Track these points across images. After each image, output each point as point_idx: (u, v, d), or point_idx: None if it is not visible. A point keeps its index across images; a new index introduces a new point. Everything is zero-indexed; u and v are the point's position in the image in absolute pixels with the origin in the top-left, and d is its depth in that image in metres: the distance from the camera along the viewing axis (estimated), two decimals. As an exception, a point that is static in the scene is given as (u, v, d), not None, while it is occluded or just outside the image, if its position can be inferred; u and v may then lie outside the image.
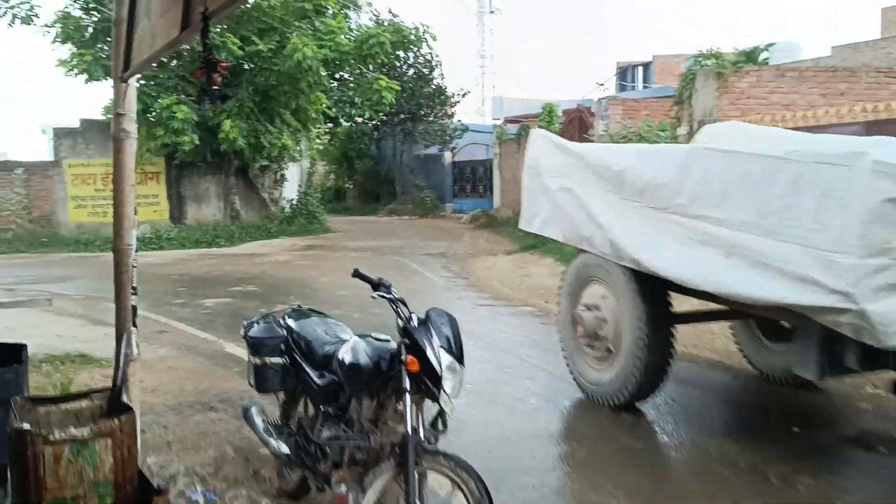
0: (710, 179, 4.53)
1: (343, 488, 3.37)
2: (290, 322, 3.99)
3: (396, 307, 3.37)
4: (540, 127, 21.44)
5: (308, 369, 3.75)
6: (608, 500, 4.11)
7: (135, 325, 3.12)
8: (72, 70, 18.43)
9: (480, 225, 23.56)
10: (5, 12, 17.91)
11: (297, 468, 3.79)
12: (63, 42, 18.87)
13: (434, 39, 20.75)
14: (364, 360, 3.46)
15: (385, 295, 3.38)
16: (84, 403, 2.48)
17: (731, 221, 4.31)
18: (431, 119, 31.17)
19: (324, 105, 20.73)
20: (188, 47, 16.76)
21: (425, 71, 30.61)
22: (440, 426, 3.47)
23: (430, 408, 3.40)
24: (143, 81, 18.22)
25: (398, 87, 21.20)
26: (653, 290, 5.17)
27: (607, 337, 5.51)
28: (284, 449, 3.81)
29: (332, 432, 3.53)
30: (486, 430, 5.15)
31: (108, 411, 2.44)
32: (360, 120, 29.16)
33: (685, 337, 7.51)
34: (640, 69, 34.31)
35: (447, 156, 31.99)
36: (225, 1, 1.74)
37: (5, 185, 19.58)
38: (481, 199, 29.82)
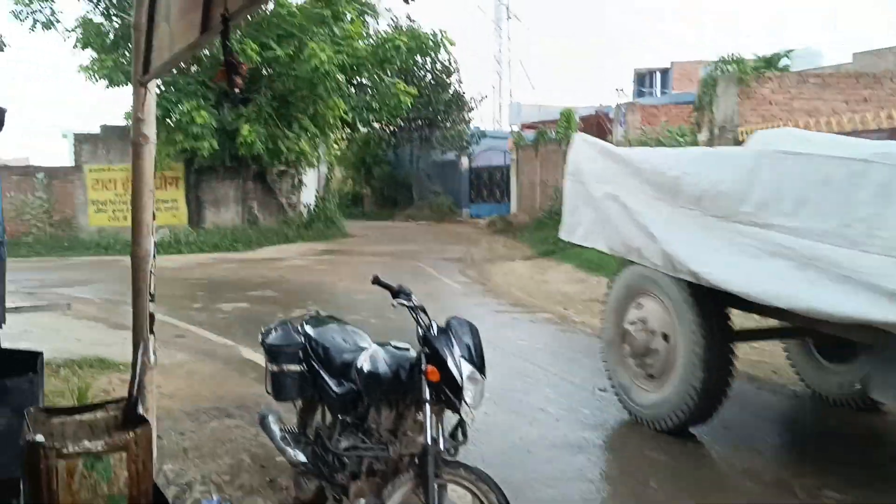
0: (783, 185, 4.18)
1: (361, 501, 3.33)
2: (308, 329, 3.94)
3: (416, 315, 3.32)
4: (558, 133, 21.46)
5: (326, 377, 3.71)
6: (630, 514, 4.04)
7: (152, 333, 3.08)
8: (93, 75, 18.59)
9: (497, 230, 23.49)
10: (27, 16, 18.10)
11: (314, 478, 3.74)
12: (84, 47, 19.04)
13: (452, 45, 20.73)
14: (383, 368, 3.41)
15: (405, 302, 3.33)
16: (99, 414, 2.44)
17: (809, 231, 3.95)
18: (449, 125, 31.16)
19: (342, 111, 20.78)
20: (208, 52, 16.89)
21: (443, 77, 30.62)
22: (460, 437, 3.42)
23: (449, 418, 3.34)
24: (163, 87, 18.36)
25: (415, 93, 21.20)
26: (711, 304, 4.82)
27: (659, 355, 5.15)
28: (301, 458, 3.76)
29: (351, 442, 3.48)
30: (506, 439, 5.08)
31: (123, 423, 2.40)
32: (377, 126, 29.25)
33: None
34: (658, 75, 34.12)
35: (464, 161, 31.96)
36: (244, 2, 1.70)
37: (27, 190, 19.76)
38: (498, 204, 29.76)
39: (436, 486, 3.06)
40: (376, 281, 3.45)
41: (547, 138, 23.03)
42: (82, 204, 20.32)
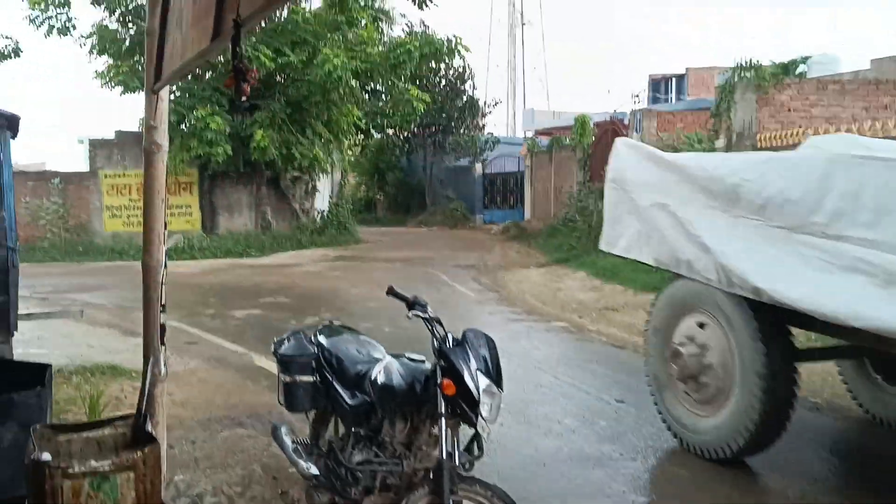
0: (860, 193, 3.81)
1: (375, 516, 3.26)
2: (322, 339, 3.89)
3: (432, 327, 3.27)
4: (572, 139, 21.35)
5: (339, 388, 3.65)
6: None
7: (163, 344, 3.03)
8: (108, 82, 18.67)
9: (511, 237, 23.40)
10: (43, 22, 18.20)
11: (326, 491, 3.67)
12: (100, 54, 19.14)
13: (467, 51, 20.67)
14: (398, 381, 3.35)
15: (420, 314, 3.28)
16: (107, 431, 2.38)
17: (891, 244, 3.61)
18: (462, 131, 31.14)
19: (355, 117, 20.79)
20: (223, 59, 16.92)
21: (457, 83, 30.62)
22: (476, 450, 3.36)
23: (464, 431, 3.27)
24: (178, 93, 18.43)
25: (428, 100, 21.17)
26: (772, 323, 4.43)
27: (713, 377, 4.74)
28: (314, 470, 3.70)
29: (364, 456, 3.42)
30: (521, 451, 4.99)
31: (131, 440, 2.34)
32: (391, 131, 29.27)
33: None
34: (674, 81, 33.98)
35: (478, 167, 31.91)
36: (257, 8, 1.65)
37: (42, 195, 19.86)
38: (512, 210, 29.67)
39: (451, 503, 2.99)
40: (391, 292, 3.39)
41: (561, 144, 22.93)
42: (97, 209, 20.41)
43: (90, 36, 18.98)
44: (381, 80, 20.90)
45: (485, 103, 33.00)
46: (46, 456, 2.03)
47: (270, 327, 9.04)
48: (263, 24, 19.16)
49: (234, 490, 4.29)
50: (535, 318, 10.24)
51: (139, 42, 18.25)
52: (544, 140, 26.16)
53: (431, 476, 3.10)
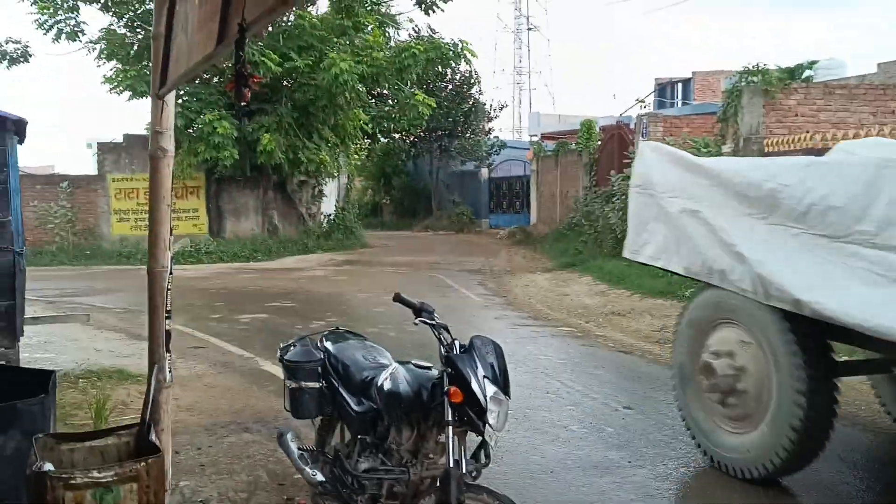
0: None
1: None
2: (328, 345, 3.88)
3: (439, 334, 3.24)
4: (578, 144, 21.32)
5: (346, 395, 3.63)
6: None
7: (168, 351, 3.01)
8: (116, 87, 18.73)
9: (517, 241, 23.38)
10: (52, 26, 18.27)
11: (332, 499, 3.64)
12: (108, 59, 19.19)
13: (474, 56, 20.66)
14: (404, 388, 3.32)
15: (427, 321, 3.25)
16: (110, 441, 2.35)
17: None
18: (468, 135, 31.14)
19: (362, 121, 20.81)
20: (230, 63, 16.95)
21: (463, 88, 30.63)
22: (483, 458, 3.33)
23: (471, 438, 3.24)
24: (185, 97, 18.48)
25: (433, 104, 21.17)
26: (811, 336, 4.20)
27: (747, 393, 4.48)
28: (319, 477, 3.68)
29: (370, 464, 3.38)
30: (528, 459, 4.95)
31: (135, 450, 2.31)
32: (397, 136, 29.29)
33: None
34: (680, 85, 33.93)
35: (484, 172, 31.92)
36: (262, 12, 1.63)
37: (51, 199, 19.92)
38: (518, 215, 29.68)
39: (458, 512, 2.95)
40: (398, 299, 3.37)
41: (567, 149, 22.91)
42: (105, 213, 20.47)
43: (99, 41, 19.05)
44: (387, 85, 20.90)
45: (490, 107, 33.01)
46: (48, 466, 2.00)
47: (276, 332, 9.02)
48: (270, 29, 19.22)
49: (239, 496, 4.27)
50: (541, 323, 10.20)
51: (147, 47, 18.30)
52: (550, 144, 26.14)
53: (438, 484, 3.07)
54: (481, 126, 32.06)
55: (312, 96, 18.93)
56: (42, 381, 2.99)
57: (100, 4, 18.56)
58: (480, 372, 3.08)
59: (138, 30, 19.03)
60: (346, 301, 12.15)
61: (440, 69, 23.78)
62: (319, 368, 3.74)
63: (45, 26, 18.27)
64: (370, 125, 21.67)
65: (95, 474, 2.01)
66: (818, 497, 4.48)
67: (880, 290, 3.66)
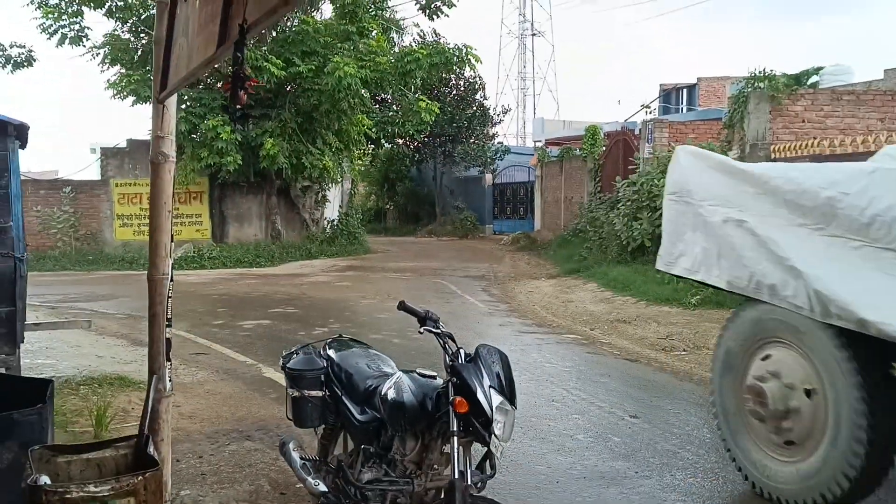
0: None
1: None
2: (331, 353, 3.83)
3: (444, 342, 3.19)
4: (583, 149, 21.27)
5: (349, 404, 3.58)
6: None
7: (168, 360, 2.95)
8: (120, 92, 18.74)
9: (521, 247, 23.32)
10: (56, 31, 18.29)
11: (335, 509, 3.58)
12: (112, 64, 19.21)
13: (478, 61, 20.62)
14: (409, 397, 3.26)
15: (432, 329, 3.21)
16: (108, 453, 2.30)
17: None
18: (472, 140, 31.13)
19: (366, 127, 20.79)
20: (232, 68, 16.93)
21: (468, 93, 30.62)
22: (488, 469, 3.27)
23: (477, 448, 3.19)
24: (189, 103, 18.48)
25: (437, 110, 21.14)
26: (873, 356, 3.86)
27: (801, 417, 4.11)
28: (322, 488, 3.61)
29: (373, 474, 3.33)
30: (533, 469, 4.89)
31: (133, 463, 2.26)
32: (401, 141, 29.28)
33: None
34: (685, 91, 33.89)
35: (487, 177, 31.90)
36: (264, 13, 1.59)
37: (54, 204, 19.93)
38: (522, 221, 29.64)
39: (463, 525, 2.90)
40: (402, 306, 3.32)
41: (571, 155, 22.87)
42: (108, 218, 20.46)
43: (103, 46, 19.07)
44: (390, 90, 20.89)
45: (494, 112, 33.01)
46: (44, 479, 1.95)
47: (279, 338, 8.98)
48: (274, 34, 19.24)
49: (240, 506, 4.22)
50: (545, 330, 10.14)
51: (150, 52, 18.30)
52: (554, 150, 26.10)
53: (443, 496, 3.02)
54: (485, 131, 32.05)
55: (316, 101, 18.92)
56: (40, 390, 2.94)
57: (104, 10, 18.57)
58: (486, 381, 3.03)
59: (142, 35, 19.05)
60: (349, 307, 12.10)
61: (445, 74, 23.75)
62: (322, 377, 3.69)
63: (49, 31, 18.29)
64: (374, 130, 21.66)
65: (92, 488, 1.96)
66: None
67: None
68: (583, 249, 17.15)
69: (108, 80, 19.11)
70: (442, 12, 19.56)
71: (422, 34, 25.72)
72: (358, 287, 14.56)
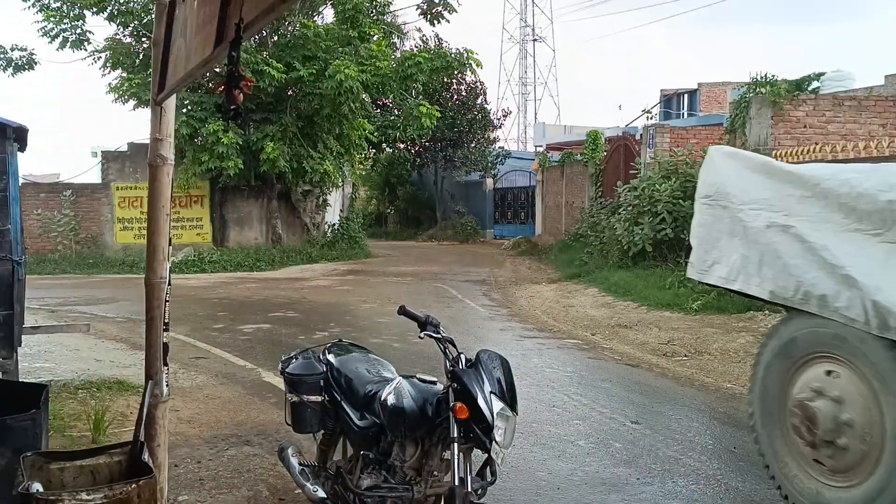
0: None
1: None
2: (331, 357, 3.80)
3: (444, 348, 3.17)
4: (584, 154, 21.27)
5: (348, 409, 3.55)
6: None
7: (166, 365, 2.92)
8: (122, 96, 18.74)
9: (522, 252, 23.30)
10: (58, 34, 18.29)
11: (334, 516, 3.55)
12: (113, 68, 19.22)
13: (479, 66, 20.61)
14: (408, 403, 3.23)
15: (433, 335, 3.18)
16: (102, 460, 2.27)
17: None
18: (473, 145, 31.13)
19: (367, 131, 20.78)
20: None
21: (469, 99, 30.62)
22: (489, 476, 3.25)
23: (477, 455, 3.16)
24: (190, 106, 18.47)
25: (438, 113, 21.14)
26: None
27: (855, 439, 3.77)
28: (321, 494, 3.59)
29: (373, 480, 3.30)
30: (534, 475, 4.85)
31: (127, 470, 2.22)
32: (402, 146, 29.28)
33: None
34: (686, 97, 33.89)
35: (488, 182, 31.90)
36: (261, 12, 1.57)
37: (54, 207, 19.91)
38: (522, 225, 29.63)
39: (463, 532, 2.87)
40: (403, 311, 3.30)
41: (572, 159, 22.85)
42: (108, 221, 20.45)
43: (104, 50, 19.07)
44: (391, 94, 20.88)
45: (495, 115, 33.01)
46: (36, 487, 1.92)
47: (279, 342, 8.95)
48: (275, 38, 19.24)
49: (238, 512, 4.18)
50: (546, 334, 10.10)
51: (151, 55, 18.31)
52: (556, 155, 26.10)
53: (443, 503, 2.99)
54: (486, 135, 32.06)
55: (317, 106, 18.91)
56: (34, 395, 2.91)
57: (106, 14, 18.58)
58: (487, 387, 3.00)
59: (143, 39, 19.04)
60: (349, 311, 12.07)
61: (446, 79, 23.75)
62: (322, 382, 3.67)
63: (51, 34, 18.30)
64: (375, 135, 21.65)
65: (84, 496, 1.93)
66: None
67: None
68: (584, 254, 17.12)
69: (110, 84, 19.13)
70: (443, 17, 19.56)
71: (424, 39, 25.75)
72: (358, 291, 14.53)
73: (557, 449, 5.36)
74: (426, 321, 3.23)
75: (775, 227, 4.24)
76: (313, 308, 12.40)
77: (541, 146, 32.33)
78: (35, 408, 2.73)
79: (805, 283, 3.99)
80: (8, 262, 4.79)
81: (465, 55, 20.05)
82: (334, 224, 23.31)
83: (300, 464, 3.83)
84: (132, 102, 18.81)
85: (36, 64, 19.07)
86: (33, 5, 18.20)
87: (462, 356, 3.15)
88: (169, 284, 2.99)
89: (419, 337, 3.20)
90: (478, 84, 30.48)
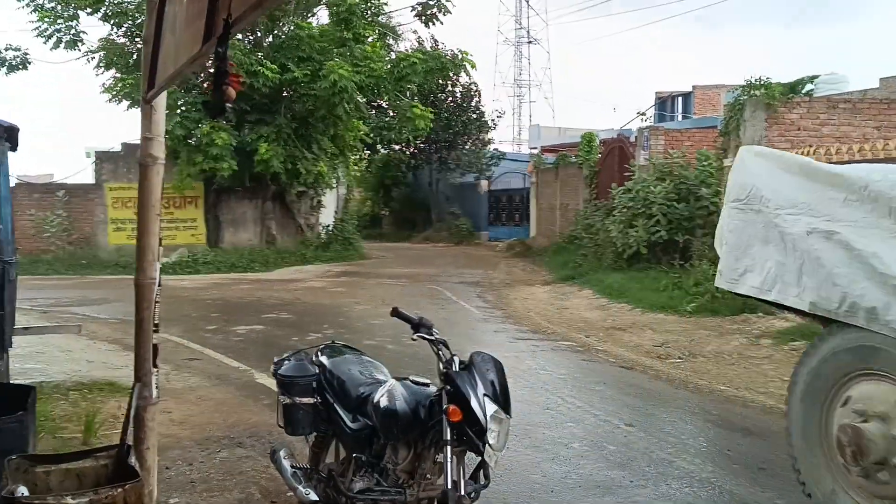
0: None
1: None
2: (324, 359, 3.77)
3: (437, 350, 3.14)
4: (579, 157, 21.27)
5: (340, 411, 3.52)
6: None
7: (155, 366, 2.89)
8: (115, 96, 18.68)
9: (516, 254, 23.30)
10: (52, 34, 18.23)
11: (325, 519, 3.52)
12: (107, 68, 19.16)
13: (473, 67, 20.61)
14: (401, 405, 3.21)
15: (426, 336, 3.16)
16: (88, 463, 2.23)
17: None
18: (468, 147, 31.13)
19: (362, 132, 20.76)
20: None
21: (464, 101, 30.62)
22: (482, 479, 3.22)
23: (470, 457, 3.14)
24: (184, 107, 18.42)
25: (431, 115, 21.13)
26: None
27: None
28: (313, 497, 3.56)
29: (365, 483, 3.27)
30: (528, 478, 4.82)
31: (113, 474, 2.19)
32: (396, 147, 29.27)
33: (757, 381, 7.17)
34: (680, 99, 33.97)
35: (483, 184, 31.91)
36: (248, 7, 1.55)
37: (47, 208, 19.82)
38: (517, 227, 29.62)
39: (456, 535, 2.84)
40: (396, 313, 3.27)
41: (567, 162, 22.86)
42: (102, 222, 20.36)
43: (98, 50, 19.02)
44: (386, 95, 20.87)
45: (489, 117, 33.03)
46: (21, 490, 1.89)
47: (272, 344, 8.91)
48: (269, 39, 19.20)
49: (230, 515, 4.15)
50: (540, 336, 10.09)
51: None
52: (550, 157, 26.10)
53: (436, 506, 2.96)
54: (481, 137, 32.07)
55: (311, 107, 18.89)
56: (21, 396, 2.87)
57: (100, 14, 18.53)
58: (480, 390, 2.98)
59: (137, 39, 18.97)
60: (343, 313, 12.03)
61: (441, 81, 23.75)
62: (314, 384, 3.64)
63: (45, 34, 18.23)
64: (370, 136, 21.63)
65: (69, 500, 1.90)
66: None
67: None
68: (578, 256, 17.13)
69: (104, 84, 19.08)
70: (437, 19, 19.56)
71: (420, 41, 25.74)
72: (352, 293, 14.50)
73: (551, 451, 5.33)
74: (419, 323, 3.20)
75: (817, 233, 3.92)
76: (307, 309, 12.36)
77: (535, 148, 32.33)
78: (22, 410, 2.70)
79: (851, 294, 3.69)
80: (-2, 262, 4.74)
81: (460, 56, 20.05)
82: (329, 225, 23.26)
83: (292, 466, 3.80)
84: (126, 103, 18.76)
85: (30, 64, 19.01)
86: (27, 5, 18.14)
87: (455, 358, 3.13)
88: (159, 285, 2.96)
89: (412, 339, 3.18)
90: (472, 85, 30.51)
